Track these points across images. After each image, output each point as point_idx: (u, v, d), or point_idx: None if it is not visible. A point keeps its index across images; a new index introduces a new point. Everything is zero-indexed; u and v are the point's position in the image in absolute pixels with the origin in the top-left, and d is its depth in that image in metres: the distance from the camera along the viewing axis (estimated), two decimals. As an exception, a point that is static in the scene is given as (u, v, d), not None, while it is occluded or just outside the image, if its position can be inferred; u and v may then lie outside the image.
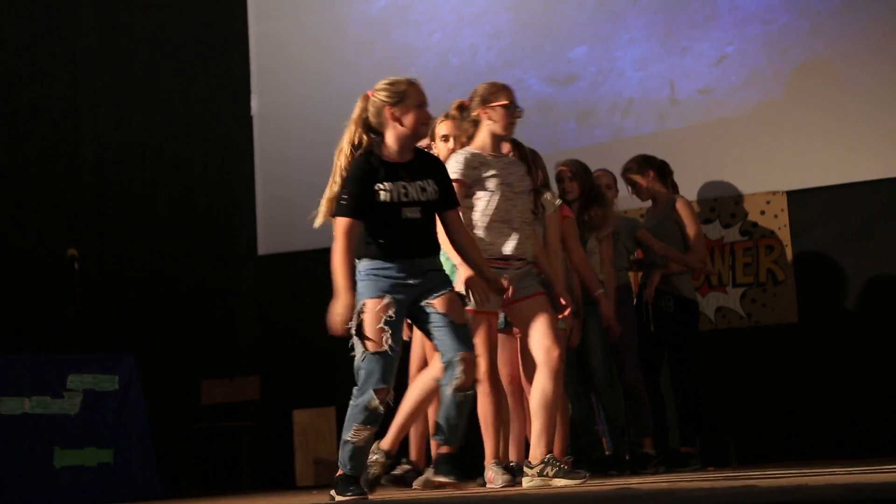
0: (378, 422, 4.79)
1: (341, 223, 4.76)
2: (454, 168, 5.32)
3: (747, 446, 7.53)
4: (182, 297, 8.82)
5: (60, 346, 7.69)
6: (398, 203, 4.79)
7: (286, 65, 9.30)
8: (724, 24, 7.98)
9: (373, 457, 5.17)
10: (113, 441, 6.94)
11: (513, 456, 5.88)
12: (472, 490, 5.41)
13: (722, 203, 7.72)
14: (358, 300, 4.73)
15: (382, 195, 4.78)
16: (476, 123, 5.51)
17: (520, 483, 5.36)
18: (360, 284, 4.78)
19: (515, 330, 5.61)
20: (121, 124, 9.09)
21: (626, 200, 7.45)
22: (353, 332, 4.71)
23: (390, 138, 4.87)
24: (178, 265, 8.81)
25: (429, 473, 5.52)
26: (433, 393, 5.24)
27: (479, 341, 5.25)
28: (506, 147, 5.62)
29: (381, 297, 4.74)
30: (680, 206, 7.13)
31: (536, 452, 5.21)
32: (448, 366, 4.77)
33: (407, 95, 5.00)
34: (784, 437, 7.57)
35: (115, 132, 8.96)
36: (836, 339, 7.29)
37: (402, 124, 4.88)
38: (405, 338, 5.40)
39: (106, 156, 8.61)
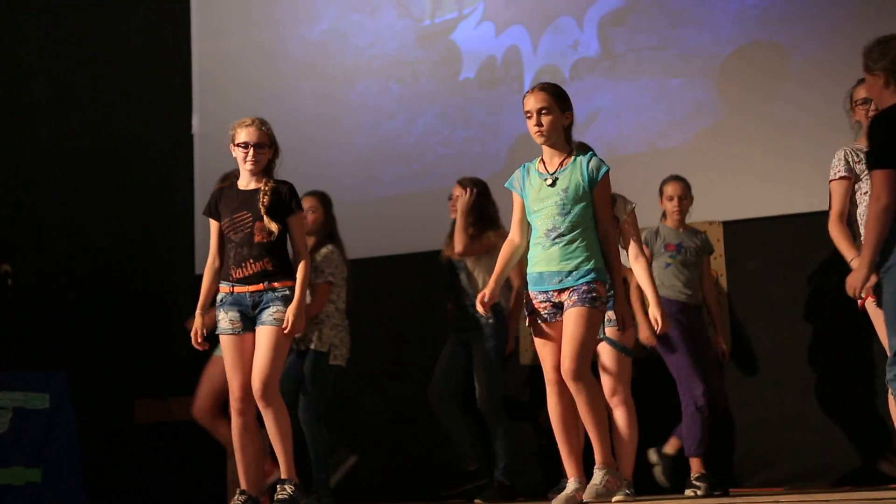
0: None
1: None
2: None
3: (678, 472, 7.52)
4: (117, 314, 8.74)
5: (-10, 363, 7.57)
6: None
7: (228, 84, 9.32)
8: (668, 55, 8.02)
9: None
10: (42, 460, 6.82)
11: None
12: None
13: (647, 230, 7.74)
14: None
15: None
16: None
17: None
18: None
19: None
20: (60, 139, 9.02)
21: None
22: None
23: None
24: (115, 282, 8.72)
25: None
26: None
27: None
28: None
29: None
30: None
31: None
32: None
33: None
34: (719, 464, 7.56)
35: (55, 146, 8.88)
36: (769, 367, 7.33)
37: None
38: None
39: (44, 170, 8.47)
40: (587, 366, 5.28)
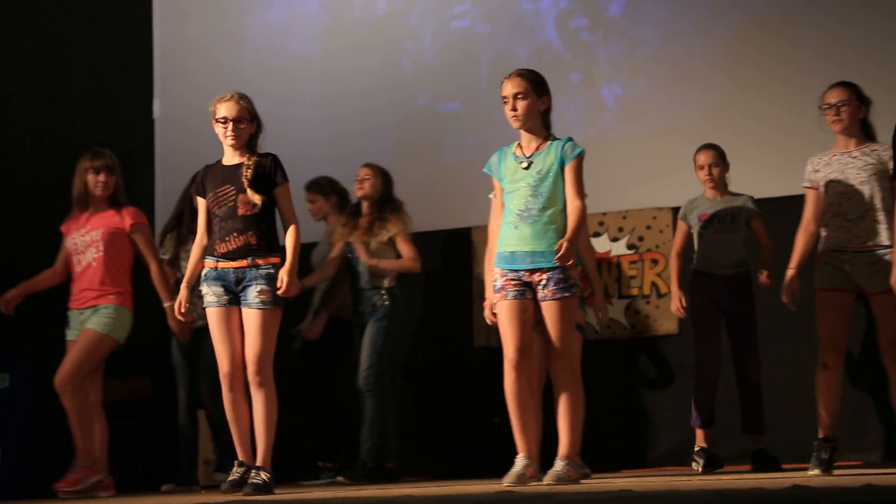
0: None
1: None
2: None
3: (629, 450, 7.64)
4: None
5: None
6: None
7: (188, 71, 9.33)
8: (619, 54, 8.09)
9: None
10: (1, 439, 6.82)
11: None
12: None
13: (610, 217, 7.81)
14: None
15: None
16: None
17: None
18: None
19: None
20: (21, 121, 9.00)
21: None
22: None
23: None
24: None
25: None
26: None
27: None
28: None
29: None
30: None
31: None
32: None
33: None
34: (659, 442, 7.70)
35: (15, 129, 8.86)
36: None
37: None
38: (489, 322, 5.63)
39: (5, 153, 8.45)
40: (573, 355, 5.46)
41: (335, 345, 7.89)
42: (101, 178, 6.86)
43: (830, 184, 5.98)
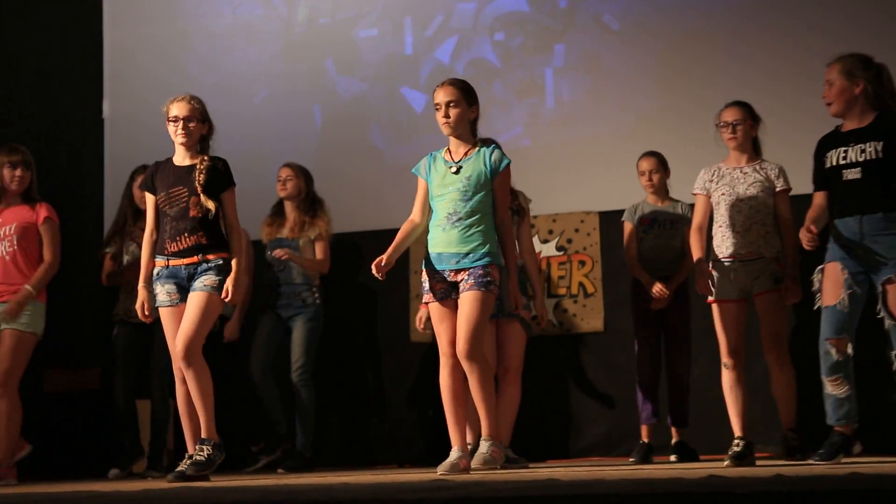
0: (839, 371, 5.07)
1: None
2: None
3: (557, 442, 7.70)
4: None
5: None
6: None
7: (136, 72, 9.23)
8: (552, 64, 8.12)
9: None
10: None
11: None
12: None
13: (540, 220, 7.87)
14: None
15: None
16: None
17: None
18: None
19: None
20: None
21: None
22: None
23: None
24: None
25: None
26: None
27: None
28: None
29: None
30: None
31: None
32: None
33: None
34: (587, 435, 7.77)
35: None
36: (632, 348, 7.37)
37: None
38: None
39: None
40: (481, 346, 5.45)
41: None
42: (18, 172, 6.82)
43: (722, 196, 6.13)
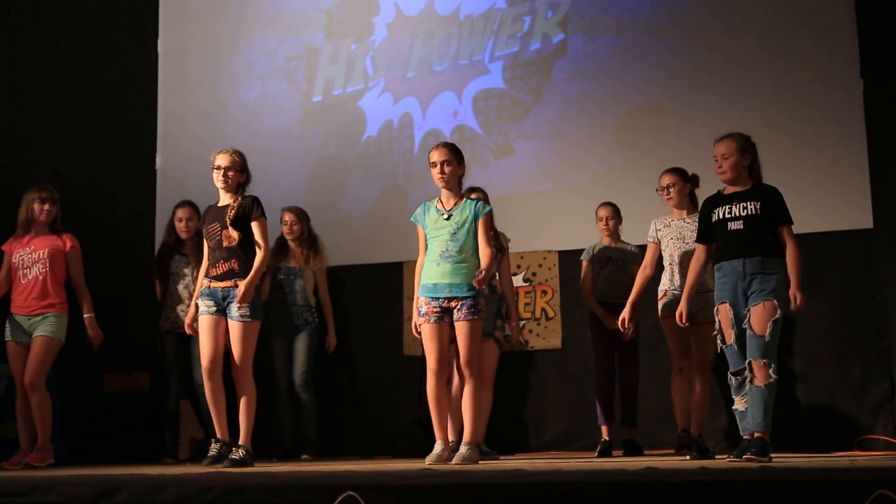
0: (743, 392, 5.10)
1: None
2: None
3: (523, 439, 7.69)
4: (95, 309, 8.63)
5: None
6: None
7: (183, 132, 9.23)
8: (526, 132, 8.13)
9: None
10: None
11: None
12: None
13: (511, 257, 7.83)
14: None
15: None
16: None
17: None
18: None
19: None
20: (56, 168, 8.92)
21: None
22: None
23: None
24: (94, 286, 8.63)
25: None
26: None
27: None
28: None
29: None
30: None
31: None
32: None
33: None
34: (547, 432, 7.75)
35: (48, 174, 8.77)
36: (588, 361, 7.36)
37: None
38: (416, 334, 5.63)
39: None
40: (477, 364, 5.49)
41: None
42: (46, 206, 6.75)
43: (671, 241, 6.18)
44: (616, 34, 7.92)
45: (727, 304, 5.19)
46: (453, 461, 5.37)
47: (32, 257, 6.66)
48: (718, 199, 5.37)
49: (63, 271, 6.73)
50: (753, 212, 5.21)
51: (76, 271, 6.74)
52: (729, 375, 5.23)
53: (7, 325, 6.60)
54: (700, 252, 5.49)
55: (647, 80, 7.79)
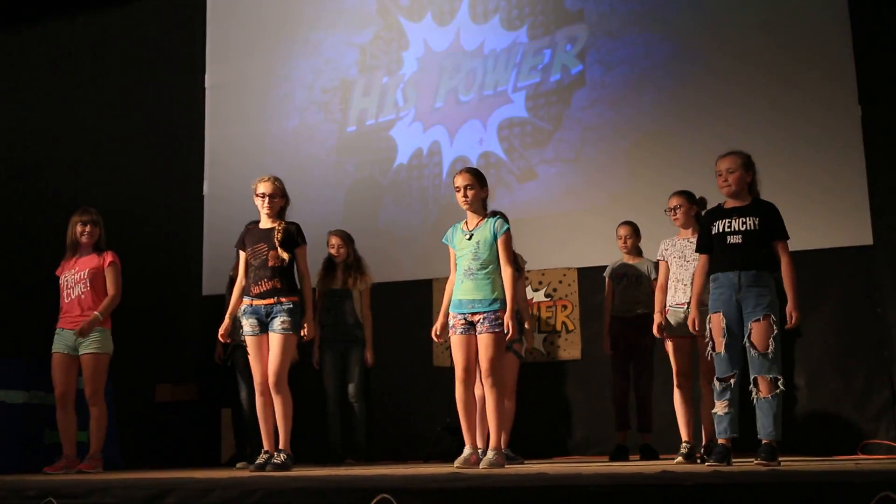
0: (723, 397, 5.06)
1: None
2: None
3: (545, 445, 7.65)
4: (147, 324, 8.73)
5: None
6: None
7: (228, 160, 9.29)
8: (546, 157, 8.12)
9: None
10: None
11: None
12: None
13: (533, 274, 7.86)
14: None
15: None
16: None
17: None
18: None
19: None
20: (110, 194, 9.01)
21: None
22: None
23: None
24: (146, 302, 8.71)
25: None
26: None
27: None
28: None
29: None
30: None
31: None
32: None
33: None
34: (567, 438, 7.71)
35: (104, 201, 8.86)
36: (606, 372, 7.29)
37: None
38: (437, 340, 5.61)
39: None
40: (500, 374, 5.42)
41: None
42: (88, 228, 6.72)
43: (674, 260, 6.15)
44: (631, 66, 7.91)
45: (720, 314, 5.14)
46: (481, 465, 5.34)
47: (76, 277, 6.65)
48: (719, 213, 5.33)
49: (104, 288, 6.69)
50: (752, 227, 5.16)
51: (110, 283, 6.66)
52: (715, 380, 5.18)
53: (55, 338, 6.61)
54: (703, 261, 5.41)
55: (659, 107, 7.78)
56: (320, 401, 7.53)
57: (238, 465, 6.88)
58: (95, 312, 6.58)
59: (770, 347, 4.98)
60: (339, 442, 7.50)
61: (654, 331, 6.09)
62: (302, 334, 5.79)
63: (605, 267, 7.23)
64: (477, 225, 5.56)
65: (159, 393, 8.72)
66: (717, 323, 5.16)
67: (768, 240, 5.17)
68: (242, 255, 5.97)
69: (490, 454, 5.39)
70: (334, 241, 7.62)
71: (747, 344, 5.03)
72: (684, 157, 7.51)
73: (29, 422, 7.05)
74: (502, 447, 5.60)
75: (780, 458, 4.97)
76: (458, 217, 5.77)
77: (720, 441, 5.09)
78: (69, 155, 9.29)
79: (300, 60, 9.22)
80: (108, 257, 6.73)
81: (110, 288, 6.68)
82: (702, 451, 5.94)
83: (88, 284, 6.63)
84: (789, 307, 5.08)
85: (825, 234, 7.05)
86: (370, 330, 7.54)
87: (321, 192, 8.82)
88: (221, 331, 5.92)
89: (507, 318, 5.41)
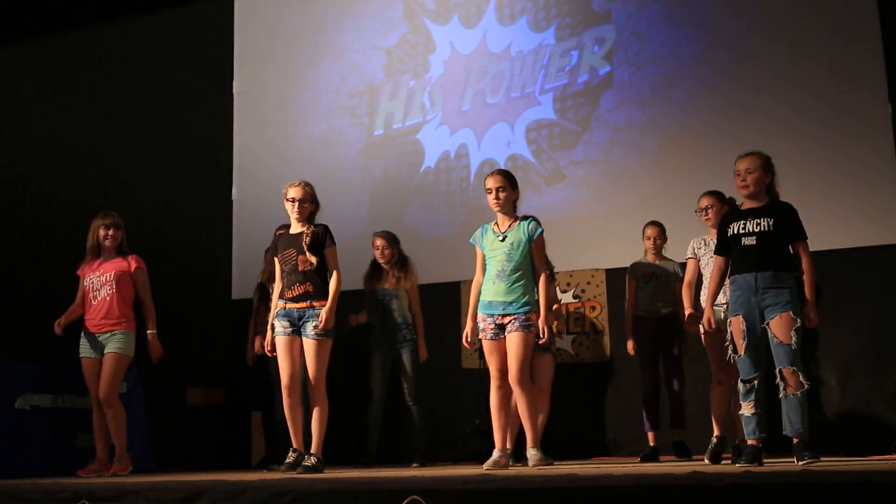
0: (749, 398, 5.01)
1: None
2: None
3: (576, 446, 7.64)
4: (178, 328, 8.76)
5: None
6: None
7: (256, 164, 9.34)
8: (574, 159, 8.11)
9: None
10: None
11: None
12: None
13: (561, 275, 7.85)
14: None
15: None
16: None
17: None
18: None
19: None
20: (140, 198, 9.08)
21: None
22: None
23: None
24: (176, 307, 8.75)
25: None
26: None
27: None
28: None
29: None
30: None
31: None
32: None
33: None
34: (597, 438, 7.69)
35: (134, 206, 8.95)
36: (635, 372, 7.27)
37: None
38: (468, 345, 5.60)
39: (128, 221, 8.50)
40: (528, 375, 5.42)
41: None
42: (110, 232, 6.70)
43: (711, 259, 6.10)
44: (658, 66, 7.89)
45: (740, 317, 5.10)
46: (530, 464, 5.36)
47: (101, 280, 6.66)
48: (735, 215, 5.29)
49: (129, 291, 6.69)
50: (767, 228, 5.10)
51: (143, 290, 6.69)
52: (739, 382, 5.14)
53: (81, 342, 6.65)
54: (720, 263, 5.37)
55: (688, 107, 7.75)
56: (361, 402, 7.53)
57: (269, 467, 6.91)
58: (151, 331, 6.63)
59: (793, 339, 4.93)
60: (377, 445, 7.48)
61: (686, 324, 6.08)
62: (318, 323, 5.75)
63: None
64: (509, 227, 5.55)
65: (190, 396, 8.77)
66: (737, 326, 5.12)
67: (785, 240, 5.12)
68: (277, 261, 6.00)
69: (532, 452, 5.41)
70: (379, 242, 7.56)
71: (770, 336, 4.99)
72: (712, 158, 7.47)
73: (60, 425, 7.12)
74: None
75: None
76: (485, 220, 5.77)
77: (750, 442, 5.06)
78: (99, 161, 9.39)
79: (327, 65, 9.25)
80: (134, 262, 6.73)
81: (144, 295, 6.69)
82: (731, 451, 5.91)
83: (114, 287, 6.63)
84: (807, 308, 5.03)
85: (856, 233, 6.99)
86: (421, 327, 7.45)
87: (348, 195, 8.85)
88: (267, 346, 5.92)
89: (541, 323, 5.42)
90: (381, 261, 7.54)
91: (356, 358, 7.95)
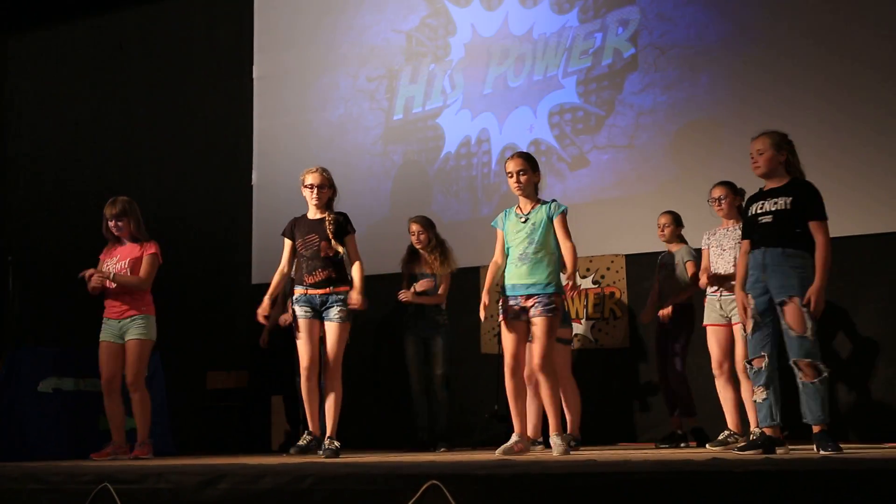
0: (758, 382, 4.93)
1: None
2: None
3: (595, 432, 7.64)
4: (198, 313, 8.85)
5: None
6: None
7: (276, 150, 9.36)
8: (595, 145, 8.08)
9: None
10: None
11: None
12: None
13: (580, 261, 7.80)
14: None
15: None
16: None
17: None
18: None
19: None
20: (159, 186, 9.13)
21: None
22: None
23: None
24: (197, 292, 8.82)
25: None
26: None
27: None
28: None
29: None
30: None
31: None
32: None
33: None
34: (617, 425, 7.69)
35: (154, 191, 9.01)
36: (654, 358, 7.25)
37: None
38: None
39: (149, 206, 8.50)
40: (550, 360, 5.42)
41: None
42: (114, 222, 6.67)
43: (714, 249, 6.31)
44: (684, 48, 7.82)
45: (749, 296, 5.05)
46: (554, 453, 5.37)
47: (117, 267, 6.66)
48: (757, 196, 5.24)
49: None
50: (783, 206, 5.02)
51: (143, 270, 6.62)
52: (745, 362, 5.13)
53: (102, 327, 6.68)
54: (744, 247, 5.27)
55: (714, 90, 7.69)
56: (402, 387, 7.57)
57: (291, 450, 6.94)
58: (111, 272, 6.58)
59: (807, 330, 4.85)
60: (427, 427, 7.47)
61: (701, 281, 6.27)
62: (350, 303, 5.80)
63: (652, 254, 7.27)
64: (532, 209, 5.56)
65: (210, 380, 8.83)
66: (745, 304, 5.07)
67: (801, 219, 4.99)
68: (288, 244, 6.04)
69: (555, 439, 5.42)
70: (414, 227, 7.54)
71: (784, 326, 4.94)
72: (736, 143, 7.42)
73: (82, 409, 7.18)
74: (571, 430, 5.60)
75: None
76: (507, 205, 5.78)
77: (763, 429, 5.02)
78: (119, 146, 9.44)
79: (346, 49, 9.24)
80: (149, 247, 6.70)
81: (142, 273, 6.63)
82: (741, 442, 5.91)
83: (129, 274, 6.63)
84: (811, 289, 4.87)
85: (876, 219, 6.95)
86: (441, 302, 7.46)
87: (368, 181, 8.86)
88: (260, 311, 5.98)
89: (569, 275, 5.38)
90: (417, 246, 7.54)
91: (382, 343, 7.99)
